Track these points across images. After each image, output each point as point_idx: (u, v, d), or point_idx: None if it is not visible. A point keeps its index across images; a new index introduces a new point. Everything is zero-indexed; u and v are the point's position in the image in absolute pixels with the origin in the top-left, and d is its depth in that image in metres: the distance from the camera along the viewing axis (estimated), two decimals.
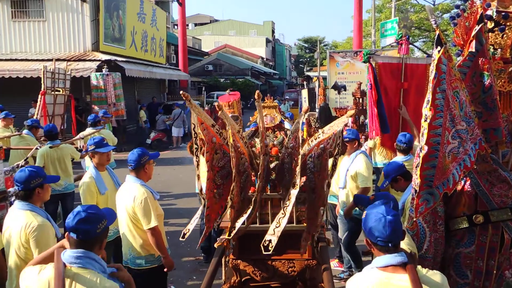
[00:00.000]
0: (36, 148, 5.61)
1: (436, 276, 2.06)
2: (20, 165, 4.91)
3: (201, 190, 2.88)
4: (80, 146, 6.21)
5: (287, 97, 27.33)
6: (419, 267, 2.07)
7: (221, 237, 3.22)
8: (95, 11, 15.40)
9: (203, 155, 2.79)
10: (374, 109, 5.41)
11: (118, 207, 3.54)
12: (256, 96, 2.93)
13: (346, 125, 6.36)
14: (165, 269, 3.50)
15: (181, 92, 2.68)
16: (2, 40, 15.45)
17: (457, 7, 3.07)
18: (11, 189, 4.07)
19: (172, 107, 16.78)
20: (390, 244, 2.03)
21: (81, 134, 6.96)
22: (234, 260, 3.28)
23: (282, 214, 2.79)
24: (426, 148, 2.47)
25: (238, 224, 2.88)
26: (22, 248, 2.72)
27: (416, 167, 2.55)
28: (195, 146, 2.73)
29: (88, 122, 7.31)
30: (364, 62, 5.62)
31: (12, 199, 3.82)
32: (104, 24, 15.66)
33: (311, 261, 3.24)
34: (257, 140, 3.64)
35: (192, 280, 5.02)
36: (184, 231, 2.90)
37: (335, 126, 3.00)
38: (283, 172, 3.21)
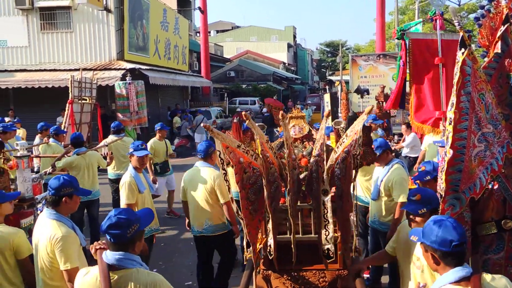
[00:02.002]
0: (63, 156, 5.74)
1: (500, 282, 1.96)
2: (47, 172, 5.05)
3: (237, 211, 3.06)
4: (104, 154, 6.32)
5: (309, 101, 27.26)
6: (483, 274, 1.96)
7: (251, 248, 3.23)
8: (120, 21, 15.78)
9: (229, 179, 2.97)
10: (401, 84, 5.46)
11: (195, 187, 4.28)
12: (280, 116, 2.96)
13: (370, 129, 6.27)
14: (234, 236, 4.41)
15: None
16: (32, 51, 16.01)
17: (482, 7, 3.00)
18: (38, 196, 4.18)
19: (195, 113, 16.96)
20: (465, 245, 1.94)
21: (105, 141, 7.10)
22: (265, 271, 3.26)
23: (325, 220, 2.99)
24: (451, 152, 2.42)
25: (271, 240, 3.05)
26: (48, 257, 2.77)
27: (441, 171, 2.50)
28: (222, 171, 2.99)
29: (112, 130, 7.46)
30: (398, 38, 5.60)
31: (39, 205, 3.92)
32: (129, 34, 16.01)
33: (342, 271, 3.20)
34: (286, 151, 3.64)
35: None
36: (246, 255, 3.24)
37: (356, 126, 2.98)
38: (312, 183, 3.19)
